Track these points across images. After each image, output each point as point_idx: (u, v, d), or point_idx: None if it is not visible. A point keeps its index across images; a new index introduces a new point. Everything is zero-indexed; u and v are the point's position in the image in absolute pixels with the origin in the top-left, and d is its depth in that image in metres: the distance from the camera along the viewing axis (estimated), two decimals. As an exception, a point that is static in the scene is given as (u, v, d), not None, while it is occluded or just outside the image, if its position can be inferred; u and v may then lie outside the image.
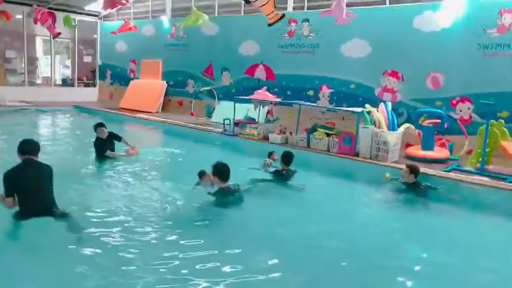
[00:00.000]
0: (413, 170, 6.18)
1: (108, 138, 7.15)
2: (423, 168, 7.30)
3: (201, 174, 5.41)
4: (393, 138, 7.85)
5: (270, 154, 6.88)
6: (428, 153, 8.09)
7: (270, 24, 7.69)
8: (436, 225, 5.20)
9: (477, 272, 3.88)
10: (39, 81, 18.68)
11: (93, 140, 7.23)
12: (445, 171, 7.23)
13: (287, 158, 6.46)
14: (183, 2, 13.95)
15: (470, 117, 8.55)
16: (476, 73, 8.37)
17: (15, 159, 4.38)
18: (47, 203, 4.29)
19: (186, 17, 11.27)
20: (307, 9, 11.06)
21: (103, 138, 7.11)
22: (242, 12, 12.41)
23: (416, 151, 8.27)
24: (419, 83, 9.07)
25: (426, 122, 8.43)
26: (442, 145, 8.68)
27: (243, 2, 7.30)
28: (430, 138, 8.25)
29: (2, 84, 15.27)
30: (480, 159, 7.17)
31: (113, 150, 7.22)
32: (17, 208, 4.20)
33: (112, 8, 13.17)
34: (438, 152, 8.20)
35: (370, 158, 8.02)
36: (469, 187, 6.56)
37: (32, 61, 18.55)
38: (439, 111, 8.37)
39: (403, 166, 7.36)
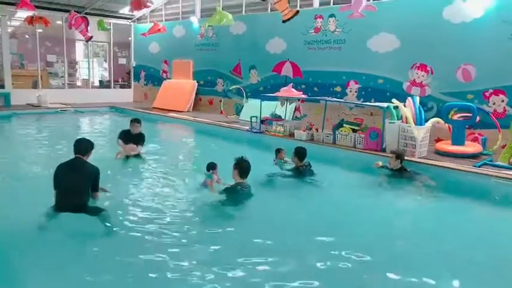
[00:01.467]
0: (399, 156, 6.60)
1: (136, 136, 7.36)
2: (452, 163, 7.16)
3: (212, 166, 5.45)
4: (421, 133, 7.68)
5: (278, 152, 6.71)
6: (459, 148, 7.87)
7: (284, 21, 7.71)
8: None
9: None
10: (78, 83, 19.60)
11: (121, 130, 7.45)
12: (475, 166, 7.02)
13: (300, 153, 6.42)
14: (211, 2, 14.18)
15: (505, 110, 8.20)
16: (510, 64, 8.01)
17: (56, 159, 4.61)
18: (80, 202, 4.41)
19: (211, 17, 11.46)
20: (333, 4, 10.96)
21: (132, 133, 7.33)
22: (269, 10, 12.46)
23: (446, 146, 8.06)
24: (450, 76, 8.79)
25: (457, 116, 8.19)
26: (475, 140, 8.41)
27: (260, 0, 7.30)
28: (461, 133, 8.01)
29: (45, 87, 16.12)
30: (514, 154, 6.91)
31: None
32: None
33: (138, 10, 13.57)
34: (469, 147, 7.95)
35: (398, 154, 7.88)
36: (499, 182, 6.34)
37: (72, 64, 19.49)
38: (470, 104, 8.10)
39: (432, 161, 7.28)
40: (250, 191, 5.31)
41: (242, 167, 5.23)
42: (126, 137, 7.32)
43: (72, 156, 4.55)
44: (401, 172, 6.58)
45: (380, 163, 6.90)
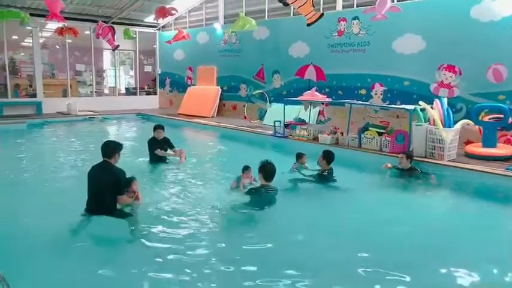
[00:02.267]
0: (409, 156, 6.84)
1: (162, 141, 7.58)
2: (483, 166, 6.93)
3: (246, 168, 5.68)
4: (449, 135, 7.48)
5: (299, 157, 6.67)
6: (490, 151, 7.61)
7: (309, 24, 7.66)
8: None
9: None
10: (106, 91, 20.11)
11: (148, 139, 7.66)
12: (508, 169, 6.76)
13: (328, 157, 6.33)
14: (235, 9, 14.31)
15: (539, 110, 7.88)
16: (544, 63, 7.72)
17: (83, 165, 4.77)
18: (102, 207, 4.52)
19: (234, 23, 11.55)
20: (357, 6, 10.85)
21: (157, 139, 7.53)
22: (291, 14, 12.46)
23: (477, 148, 7.82)
24: (479, 76, 8.54)
25: (487, 117, 7.93)
26: (507, 142, 8.12)
27: (282, 4, 7.30)
28: (492, 135, 7.76)
29: (74, 95, 16.63)
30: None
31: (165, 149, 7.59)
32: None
33: (163, 18, 13.81)
34: (501, 149, 7.68)
35: (425, 157, 7.71)
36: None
37: (100, 73, 20.01)
38: (502, 105, 7.84)
39: (462, 164, 7.09)
40: (276, 193, 5.33)
41: (266, 169, 5.27)
42: (155, 145, 7.51)
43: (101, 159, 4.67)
44: (410, 171, 6.78)
45: (389, 165, 7.05)
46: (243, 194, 5.40)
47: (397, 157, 7.17)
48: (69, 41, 16.07)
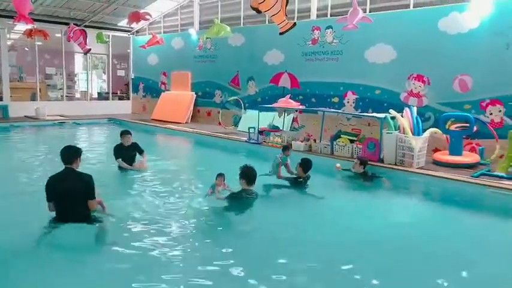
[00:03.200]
0: (363, 162, 7.21)
1: (130, 147, 7.34)
2: (449, 174, 7.14)
3: (218, 175, 5.61)
4: (418, 143, 7.68)
5: (285, 149, 6.91)
6: (456, 158, 7.85)
7: (281, 33, 7.75)
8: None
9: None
10: (77, 95, 19.64)
11: (115, 145, 7.40)
12: (473, 176, 6.99)
13: (306, 165, 6.42)
14: (210, 15, 14.31)
15: (502, 120, 8.22)
16: (507, 74, 8.06)
17: (51, 170, 4.61)
18: (77, 213, 4.41)
19: (209, 29, 11.55)
20: (331, 16, 11.05)
21: (124, 146, 7.27)
22: (267, 22, 12.57)
23: (444, 156, 8.05)
24: (446, 86, 8.84)
25: (454, 126, 8.20)
26: (472, 150, 8.40)
27: (255, 11, 7.36)
28: (458, 143, 8.01)
29: (44, 99, 16.16)
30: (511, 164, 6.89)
31: (132, 159, 7.35)
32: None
33: (137, 23, 13.67)
34: (467, 157, 7.94)
35: (396, 164, 7.88)
36: (496, 192, 6.32)
37: (71, 77, 19.57)
38: (467, 114, 8.12)
39: (430, 171, 7.30)
40: (256, 198, 5.35)
41: (247, 174, 5.28)
42: (121, 152, 7.27)
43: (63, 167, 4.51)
44: (364, 175, 7.19)
45: (338, 165, 7.61)
46: (218, 199, 5.36)
47: (370, 164, 7.35)
48: (39, 43, 15.64)
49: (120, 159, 7.22)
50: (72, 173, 4.44)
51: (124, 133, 7.36)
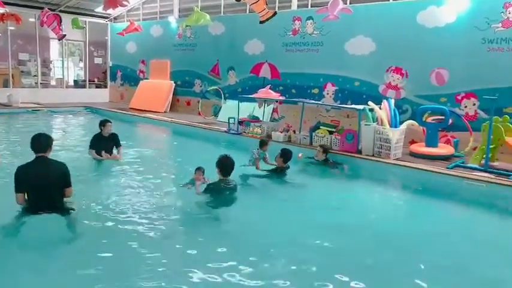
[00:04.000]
0: (325, 150, 7.50)
1: (109, 138, 7.17)
2: (425, 166, 7.29)
3: (197, 169, 5.51)
4: (395, 135, 7.79)
5: (263, 144, 6.76)
6: (432, 150, 8.01)
7: (261, 22, 7.72)
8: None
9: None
10: (53, 83, 19.08)
11: (93, 135, 7.21)
12: (448, 168, 7.16)
13: (286, 156, 6.44)
14: (189, 3, 14.07)
15: (476, 113, 8.41)
16: (482, 68, 8.22)
17: (22, 161, 4.45)
18: (53, 203, 4.32)
19: (188, 17, 11.37)
20: (311, 6, 11.03)
21: (104, 136, 7.10)
22: (247, 11, 12.45)
23: (420, 148, 8.20)
24: (424, 79, 8.97)
25: (430, 119, 8.35)
26: (447, 142, 8.59)
27: (235, 0, 7.29)
28: (434, 135, 8.17)
29: (17, 86, 15.65)
30: (484, 156, 7.07)
31: (110, 150, 7.15)
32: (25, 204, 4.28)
33: (113, 9, 13.33)
34: (442, 149, 8.11)
35: (373, 155, 7.99)
36: (470, 183, 6.50)
37: (46, 63, 18.97)
38: (443, 107, 8.28)
39: (406, 163, 7.43)
40: (236, 188, 5.26)
41: (223, 163, 5.15)
42: (99, 142, 7.06)
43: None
44: (325, 162, 7.44)
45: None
46: (198, 194, 5.24)
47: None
48: (12, 28, 15.08)
49: (93, 150, 7.02)
50: (45, 162, 4.30)
51: (104, 122, 7.14)
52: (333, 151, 8.38)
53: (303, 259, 3.80)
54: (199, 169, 5.51)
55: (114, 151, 7.30)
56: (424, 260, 3.94)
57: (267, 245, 4.10)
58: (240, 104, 10.25)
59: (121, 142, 7.39)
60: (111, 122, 7.24)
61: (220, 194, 5.13)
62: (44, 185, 4.23)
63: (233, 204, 5.20)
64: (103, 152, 7.04)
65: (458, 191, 6.51)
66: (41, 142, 4.34)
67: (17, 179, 4.21)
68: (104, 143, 7.08)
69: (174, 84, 14.66)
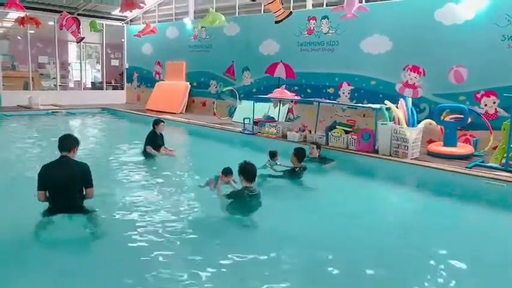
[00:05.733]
0: (319, 146, 7.52)
1: (161, 136, 7.74)
2: (444, 165, 7.17)
3: (228, 172, 5.16)
4: (413, 134, 7.69)
5: (273, 155, 6.53)
6: (451, 149, 7.88)
7: (277, 22, 7.71)
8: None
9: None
10: (71, 85, 19.42)
11: (147, 135, 7.68)
12: (467, 167, 7.03)
13: (299, 154, 6.38)
14: (205, 4, 14.16)
15: (496, 111, 8.24)
16: (502, 66, 8.05)
17: (43, 159, 4.51)
18: (74, 203, 4.36)
19: (204, 18, 11.44)
20: (326, 5, 10.97)
21: (157, 134, 7.65)
22: (262, 12, 12.46)
23: (438, 147, 8.08)
24: (442, 77, 8.83)
25: (448, 118, 8.22)
26: (467, 141, 8.43)
27: (250, 0, 7.31)
28: (453, 134, 8.04)
29: (37, 88, 15.99)
30: (505, 155, 6.92)
31: (160, 147, 7.64)
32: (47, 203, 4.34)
33: (130, 11, 13.52)
34: (461, 148, 7.97)
35: (390, 155, 7.90)
36: (490, 183, 6.36)
37: (65, 66, 19.32)
38: (462, 105, 8.14)
39: (424, 162, 7.31)
40: (260, 195, 4.87)
41: (247, 170, 4.81)
42: (155, 139, 7.61)
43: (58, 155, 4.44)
44: (320, 160, 7.37)
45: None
46: (219, 197, 5.00)
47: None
48: (32, 31, 15.41)
49: (150, 147, 7.53)
50: (68, 162, 4.38)
51: (158, 121, 7.74)
52: (348, 150, 8.36)
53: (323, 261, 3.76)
54: (229, 173, 5.15)
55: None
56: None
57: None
58: (255, 104, 10.26)
59: (140, 145, 7.83)
60: (164, 122, 7.85)
61: (243, 200, 4.79)
62: (64, 184, 4.27)
63: (257, 210, 4.91)
64: (162, 148, 7.62)
65: (478, 191, 6.38)
66: (67, 142, 4.44)
67: (39, 177, 4.30)
68: (157, 141, 7.61)
69: (189, 85, 14.77)
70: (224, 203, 4.83)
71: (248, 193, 4.74)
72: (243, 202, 4.74)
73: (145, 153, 7.60)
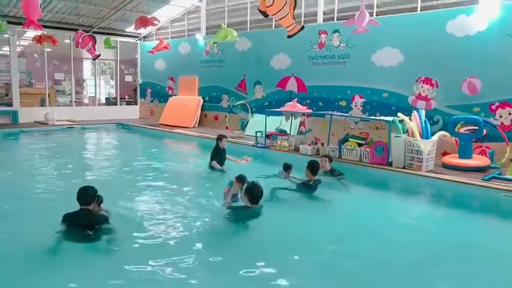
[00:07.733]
0: (331, 159, 7.37)
1: (224, 151, 8.03)
2: (460, 178, 7.08)
3: (240, 178, 5.30)
4: (427, 146, 7.62)
5: (287, 168, 6.60)
6: (466, 162, 7.79)
7: (289, 36, 7.77)
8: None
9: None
10: (86, 101, 19.78)
11: (212, 151, 8.07)
12: (483, 179, 6.93)
13: (313, 167, 6.36)
14: (217, 20, 14.38)
15: (512, 122, 8.14)
16: (516, 76, 7.99)
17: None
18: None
19: (216, 34, 11.62)
20: (337, 19, 11.05)
21: (220, 148, 7.95)
22: (273, 26, 12.59)
23: (454, 159, 7.99)
24: (455, 89, 8.77)
25: (463, 129, 8.13)
26: (482, 153, 8.33)
27: (262, 15, 7.39)
28: (468, 146, 7.95)
29: (53, 105, 16.32)
30: (522, 167, 6.82)
31: (224, 161, 7.92)
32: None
33: (144, 28, 13.78)
34: (477, 160, 7.87)
35: (404, 168, 7.83)
36: (508, 195, 6.25)
37: (79, 82, 19.71)
38: (476, 117, 8.06)
39: (439, 175, 7.22)
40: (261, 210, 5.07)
41: (253, 193, 4.97)
42: (218, 154, 7.91)
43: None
44: (332, 173, 7.17)
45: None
46: (226, 205, 5.18)
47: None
48: (48, 49, 15.81)
49: (215, 161, 7.81)
50: (89, 214, 4.49)
51: (221, 137, 8.09)
52: (362, 163, 8.31)
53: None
54: (242, 180, 5.30)
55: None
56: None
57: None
58: (267, 117, 10.30)
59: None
60: (226, 138, 8.20)
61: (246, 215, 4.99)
62: (86, 226, 4.45)
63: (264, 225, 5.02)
64: (225, 163, 7.90)
65: (496, 204, 6.26)
66: (86, 197, 4.50)
67: (63, 222, 4.45)
68: (221, 155, 7.93)
69: (202, 100, 14.92)
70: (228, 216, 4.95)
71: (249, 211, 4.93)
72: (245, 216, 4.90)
73: (211, 168, 7.82)
